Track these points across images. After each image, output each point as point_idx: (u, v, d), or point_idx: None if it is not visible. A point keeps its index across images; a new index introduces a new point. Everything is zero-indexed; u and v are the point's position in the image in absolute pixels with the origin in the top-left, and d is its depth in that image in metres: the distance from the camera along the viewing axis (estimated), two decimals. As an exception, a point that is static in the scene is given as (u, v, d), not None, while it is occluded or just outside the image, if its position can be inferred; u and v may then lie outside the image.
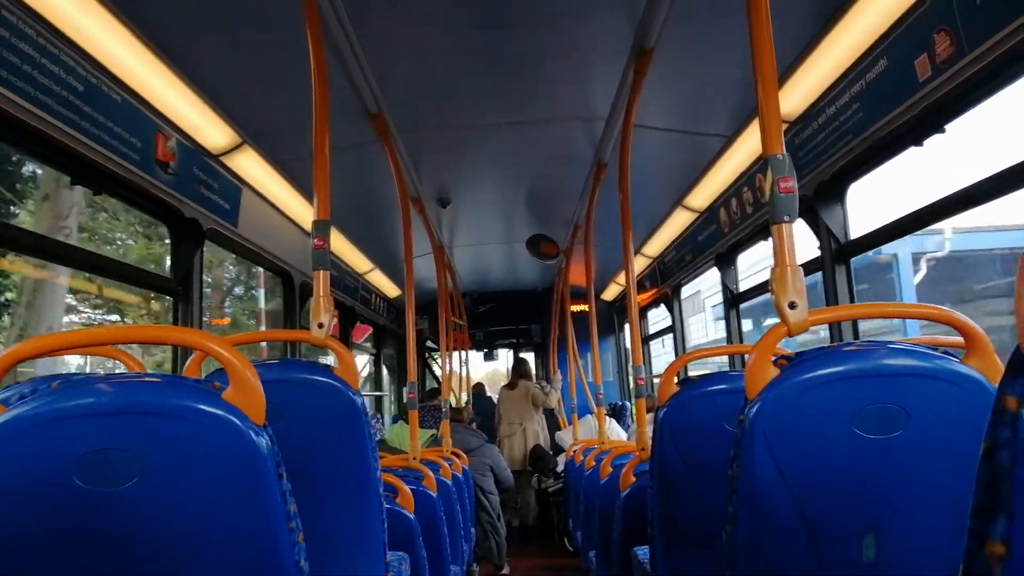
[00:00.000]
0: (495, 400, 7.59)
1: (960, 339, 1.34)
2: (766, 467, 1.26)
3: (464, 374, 8.06)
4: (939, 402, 1.25)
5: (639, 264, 6.42)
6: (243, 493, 1.12)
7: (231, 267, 11.82)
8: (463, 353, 8.19)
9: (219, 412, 1.10)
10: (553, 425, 7.39)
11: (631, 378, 3.43)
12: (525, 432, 6.67)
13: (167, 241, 3.35)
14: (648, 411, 3.85)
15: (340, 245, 5.38)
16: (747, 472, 1.28)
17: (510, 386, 6.99)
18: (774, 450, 1.26)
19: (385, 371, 8.77)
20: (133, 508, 1.08)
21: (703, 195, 4.49)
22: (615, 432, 6.08)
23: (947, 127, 2.44)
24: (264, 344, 7.49)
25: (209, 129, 3.07)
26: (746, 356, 1.50)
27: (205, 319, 3.54)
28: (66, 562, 1.08)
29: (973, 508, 0.59)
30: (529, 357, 9.66)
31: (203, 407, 1.10)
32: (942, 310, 1.38)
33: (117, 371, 1.57)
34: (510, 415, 6.80)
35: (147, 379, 1.13)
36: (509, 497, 6.12)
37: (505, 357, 9.85)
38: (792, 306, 1.42)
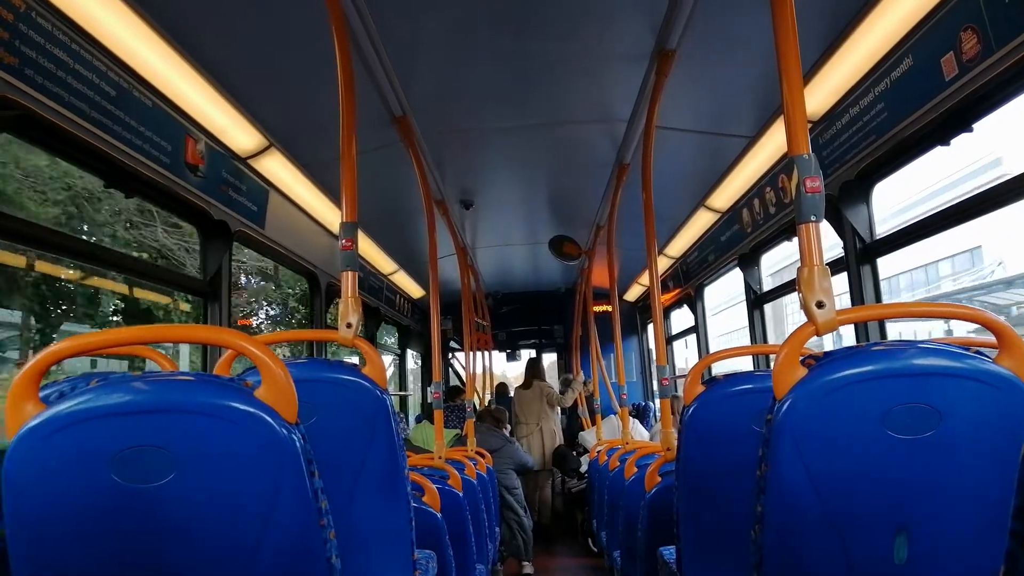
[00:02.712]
0: None
1: (992, 339, 1.33)
2: (795, 467, 1.26)
3: (484, 372, 8.03)
4: (971, 402, 1.23)
5: (662, 264, 6.39)
6: (276, 490, 1.14)
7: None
8: (486, 353, 8.18)
9: (252, 410, 1.12)
10: (575, 425, 7.36)
11: (655, 378, 3.41)
12: (542, 432, 6.66)
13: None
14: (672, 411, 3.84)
15: (365, 246, 5.41)
16: (775, 472, 1.28)
17: (525, 386, 6.99)
18: (803, 450, 1.25)
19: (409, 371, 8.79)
20: (168, 504, 1.10)
21: (725, 196, 4.47)
22: (638, 432, 6.06)
23: (975, 126, 2.42)
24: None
25: (237, 132, 3.11)
26: (771, 356, 1.49)
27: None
28: (103, 556, 1.11)
29: (1014, 509, 0.59)
30: (552, 358, 9.64)
31: (236, 405, 1.12)
32: (973, 309, 1.36)
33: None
34: (527, 415, 6.78)
35: (181, 378, 1.15)
36: (528, 494, 6.10)
37: (528, 358, 9.87)
38: (820, 305, 1.41)
